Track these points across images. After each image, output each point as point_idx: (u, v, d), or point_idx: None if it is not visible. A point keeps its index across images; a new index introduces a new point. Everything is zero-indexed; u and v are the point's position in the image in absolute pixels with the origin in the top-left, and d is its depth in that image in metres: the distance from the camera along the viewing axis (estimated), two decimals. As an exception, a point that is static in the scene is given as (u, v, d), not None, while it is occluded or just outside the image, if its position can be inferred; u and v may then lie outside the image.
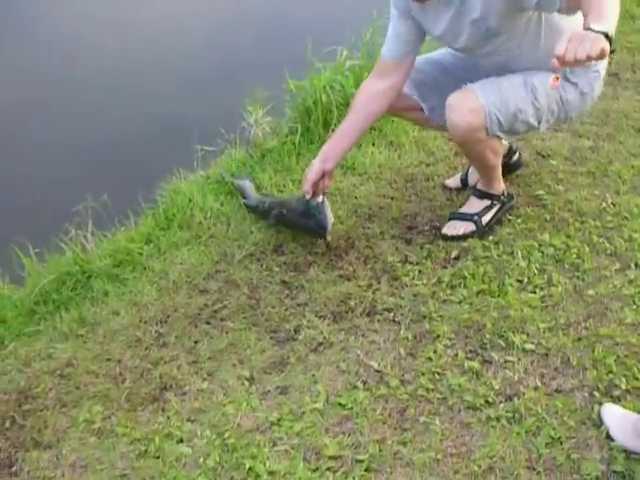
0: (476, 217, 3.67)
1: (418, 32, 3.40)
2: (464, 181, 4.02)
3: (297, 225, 3.68)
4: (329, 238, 3.58)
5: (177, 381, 2.97)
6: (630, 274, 3.34)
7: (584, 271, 3.37)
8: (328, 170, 3.50)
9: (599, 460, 2.49)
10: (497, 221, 3.71)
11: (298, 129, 4.55)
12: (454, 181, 4.06)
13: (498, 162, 3.64)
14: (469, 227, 3.66)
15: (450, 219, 3.73)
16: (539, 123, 3.44)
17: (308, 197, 3.50)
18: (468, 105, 3.30)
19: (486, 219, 3.69)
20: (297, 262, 3.57)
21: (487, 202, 3.73)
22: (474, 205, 3.73)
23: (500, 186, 3.76)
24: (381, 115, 3.67)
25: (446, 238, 3.65)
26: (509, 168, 3.99)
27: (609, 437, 2.54)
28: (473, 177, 3.99)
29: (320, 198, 3.52)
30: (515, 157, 4.06)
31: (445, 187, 4.06)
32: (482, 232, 3.65)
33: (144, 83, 6.02)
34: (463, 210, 3.75)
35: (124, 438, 2.74)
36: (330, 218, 3.54)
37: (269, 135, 4.69)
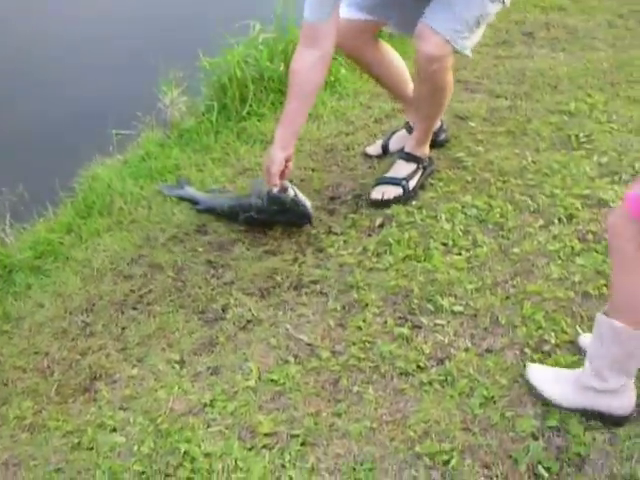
0: (404, 181, 3.67)
1: None
2: (385, 147, 4.02)
3: (273, 222, 3.57)
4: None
5: (107, 370, 2.92)
6: (554, 230, 3.37)
7: (508, 230, 3.39)
8: (289, 155, 3.42)
9: (533, 416, 2.51)
10: (420, 186, 3.70)
11: (214, 107, 4.52)
12: (375, 148, 4.05)
13: (442, 110, 3.68)
14: (397, 191, 3.66)
15: (377, 184, 3.72)
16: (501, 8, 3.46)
17: (276, 190, 3.42)
18: (433, 45, 3.32)
19: (412, 183, 3.69)
20: (221, 241, 3.53)
21: (413, 166, 3.73)
22: (401, 169, 3.73)
23: (427, 149, 3.77)
24: (323, 82, 3.58)
25: (375, 204, 3.64)
26: (436, 144, 4.00)
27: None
28: (395, 143, 3.99)
29: (291, 191, 3.44)
30: (443, 135, 4.08)
31: (366, 155, 4.04)
32: (408, 196, 3.65)
33: (55, 69, 5.90)
34: (390, 174, 3.74)
35: (56, 432, 2.68)
36: (308, 203, 3.48)
37: (186, 115, 4.66)
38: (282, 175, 3.42)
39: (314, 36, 3.36)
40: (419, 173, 3.73)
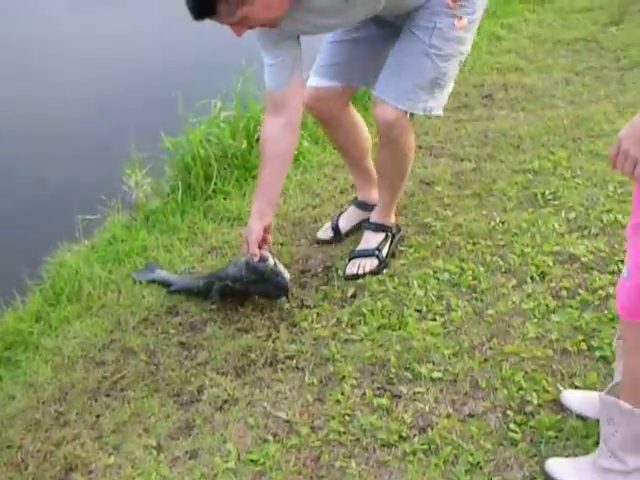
0: (377, 251, 3.67)
1: (298, 46, 3.33)
2: (336, 229, 3.99)
3: (248, 293, 3.53)
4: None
5: (82, 460, 2.84)
6: (527, 288, 3.37)
7: (482, 291, 3.38)
8: (267, 225, 3.40)
9: (521, 479, 2.47)
10: (391, 254, 3.69)
11: (179, 186, 4.51)
12: (325, 232, 4.02)
13: (406, 176, 3.68)
14: (373, 262, 3.65)
15: (351, 258, 3.71)
16: (459, 63, 3.45)
17: (255, 260, 3.38)
18: (389, 113, 3.34)
19: (384, 252, 3.69)
20: (193, 321, 3.49)
21: (382, 235, 3.73)
22: (371, 239, 3.73)
23: (393, 218, 3.78)
24: (294, 148, 3.55)
25: (352, 278, 3.62)
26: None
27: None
28: (346, 222, 4.00)
29: (271, 261, 3.40)
30: None
31: (319, 241, 4.00)
32: (384, 266, 3.65)
33: (17, 154, 5.87)
34: (362, 247, 3.73)
35: (34, 528, 2.62)
36: (287, 275, 3.44)
37: (151, 196, 4.64)
38: (261, 244, 3.39)
39: (277, 104, 3.36)
40: (388, 241, 3.73)
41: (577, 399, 2.70)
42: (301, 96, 3.41)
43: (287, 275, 3.44)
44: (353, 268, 3.65)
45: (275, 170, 3.42)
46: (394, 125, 3.37)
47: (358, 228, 3.97)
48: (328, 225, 4.02)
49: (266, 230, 3.40)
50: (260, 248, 3.38)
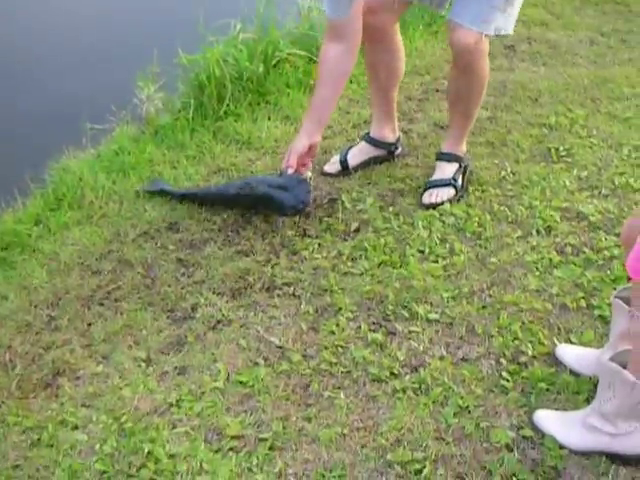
0: (453, 180, 3.67)
1: None
2: (344, 163, 3.95)
3: (265, 198, 3.47)
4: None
5: (70, 365, 2.83)
6: (532, 241, 3.35)
7: (486, 239, 3.36)
8: (314, 144, 3.44)
9: (508, 427, 2.48)
10: (399, 192, 3.69)
11: (191, 104, 4.45)
12: (333, 166, 3.97)
13: (481, 101, 3.71)
14: (450, 192, 3.66)
15: (427, 188, 3.69)
16: None
17: (291, 172, 3.41)
18: (464, 36, 3.36)
19: (460, 181, 3.71)
20: (193, 239, 3.46)
21: (456, 165, 3.74)
22: (446, 169, 3.73)
23: (464, 146, 3.81)
24: (351, 70, 3.57)
25: (429, 207, 3.61)
26: (393, 158, 4.03)
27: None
28: (354, 156, 3.96)
29: (308, 174, 3.46)
30: (399, 150, 4.05)
31: (325, 174, 3.95)
32: (461, 195, 3.67)
33: (31, 60, 5.78)
34: (437, 177, 3.72)
35: (15, 427, 2.59)
36: (311, 195, 3.48)
37: (162, 111, 4.58)
38: (305, 161, 3.46)
39: (337, 32, 3.38)
40: (461, 171, 3.73)
41: (572, 355, 2.69)
42: (361, 19, 3.39)
43: (311, 196, 3.48)
44: (431, 198, 3.63)
45: (331, 91, 3.48)
46: (473, 49, 3.38)
47: (367, 164, 3.94)
48: (336, 158, 3.97)
49: (312, 149, 3.44)
50: (302, 165, 3.45)
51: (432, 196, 3.63)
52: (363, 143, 4.01)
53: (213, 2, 5.18)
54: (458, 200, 3.64)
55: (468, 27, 3.33)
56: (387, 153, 3.98)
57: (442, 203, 3.61)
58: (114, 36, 6.00)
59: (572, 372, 2.65)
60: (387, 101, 3.93)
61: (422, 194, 3.67)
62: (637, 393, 2.22)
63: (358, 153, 3.97)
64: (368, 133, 4.02)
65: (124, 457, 2.43)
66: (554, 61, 5.40)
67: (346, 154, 3.96)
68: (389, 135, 3.95)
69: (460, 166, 3.73)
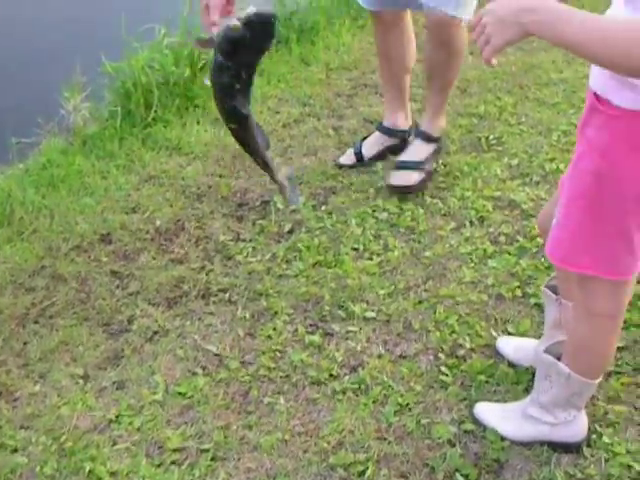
0: (426, 165, 3.66)
1: None
2: (359, 155, 3.94)
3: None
4: None
5: (7, 387, 2.78)
6: (465, 232, 3.36)
7: (420, 233, 3.37)
8: None
9: (449, 422, 2.49)
10: (332, 190, 3.68)
11: (119, 112, 4.39)
12: (348, 157, 3.96)
13: (456, 77, 3.77)
14: (419, 176, 3.63)
15: (396, 169, 3.67)
16: None
17: (214, 30, 2.41)
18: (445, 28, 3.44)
19: (430, 165, 3.70)
20: (126, 250, 3.43)
21: (433, 146, 3.74)
22: (421, 151, 3.71)
23: (444, 121, 3.84)
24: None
25: (396, 190, 3.59)
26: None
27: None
28: (368, 148, 3.95)
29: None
30: (412, 138, 3.98)
31: (339, 165, 3.93)
32: (428, 182, 3.65)
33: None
34: (407, 158, 3.70)
35: (-47, 452, 2.56)
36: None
37: (89, 121, 4.51)
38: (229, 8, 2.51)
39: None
40: (436, 154, 3.75)
41: (511, 346, 2.71)
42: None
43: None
44: (395, 179, 3.62)
45: None
46: (446, 23, 3.43)
47: (382, 154, 3.94)
48: (351, 150, 3.96)
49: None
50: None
51: (397, 178, 3.63)
52: (377, 133, 4.00)
53: (135, 9, 5.13)
54: (426, 187, 3.64)
55: (441, 10, 3.37)
56: (401, 141, 3.93)
57: (410, 187, 3.60)
58: (34, 46, 5.89)
59: (510, 363, 2.66)
60: (400, 88, 3.93)
61: (390, 173, 3.67)
62: (572, 384, 2.24)
63: (373, 143, 3.96)
64: (381, 123, 4.01)
65: (65, 478, 2.41)
66: (481, 50, 5.41)
67: (360, 146, 3.96)
68: (402, 123, 3.94)
69: (436, 149, 3.74)
